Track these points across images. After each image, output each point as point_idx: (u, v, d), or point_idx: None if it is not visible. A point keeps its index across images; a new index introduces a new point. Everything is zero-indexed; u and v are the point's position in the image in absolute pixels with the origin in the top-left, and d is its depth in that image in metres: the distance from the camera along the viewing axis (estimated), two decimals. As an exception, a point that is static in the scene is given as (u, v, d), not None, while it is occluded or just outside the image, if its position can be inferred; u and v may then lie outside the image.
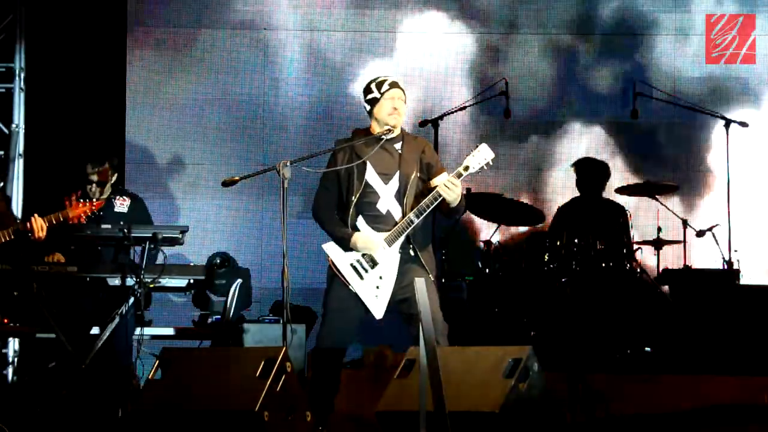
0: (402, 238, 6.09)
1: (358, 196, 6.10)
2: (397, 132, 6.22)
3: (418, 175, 6.17)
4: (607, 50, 9.85)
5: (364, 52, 9.89)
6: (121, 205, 7.77)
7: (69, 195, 7.67)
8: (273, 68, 9.91)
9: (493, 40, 9.89)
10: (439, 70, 9.91)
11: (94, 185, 7.68)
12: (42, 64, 9.44)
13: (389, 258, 6.08)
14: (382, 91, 6.19)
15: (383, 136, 6.17)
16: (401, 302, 6.11)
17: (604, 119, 9.82)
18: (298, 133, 9.85)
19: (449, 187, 6.01)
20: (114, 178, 7.87)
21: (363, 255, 6.09)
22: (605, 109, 9.82)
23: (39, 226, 6.98)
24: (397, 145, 6.21)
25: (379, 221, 6.12)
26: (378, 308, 6.08)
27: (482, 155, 6.10)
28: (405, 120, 6.35)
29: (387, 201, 6.13)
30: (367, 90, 6.27)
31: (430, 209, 6.07)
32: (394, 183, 6.14)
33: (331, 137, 6.47)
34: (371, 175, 6.13)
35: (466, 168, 6.09)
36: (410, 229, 6.07)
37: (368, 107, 6.26)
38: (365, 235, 6.08)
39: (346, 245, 6.09)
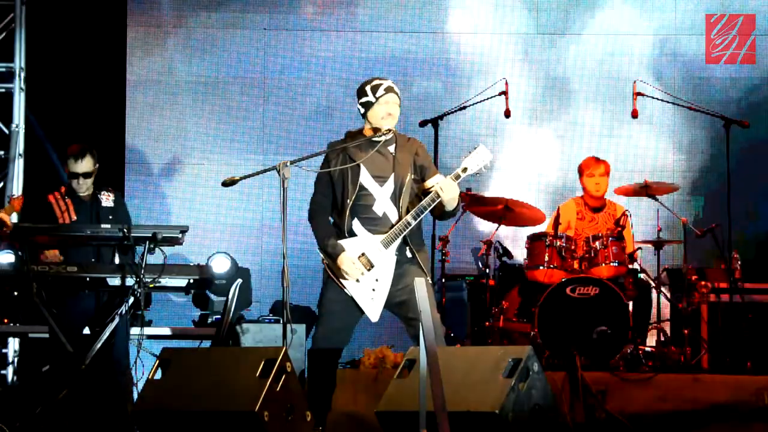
0: (398, 241, 6.08)
1: (353, 199, 6.09)
2: (389, 134, 6.20)
3: (412, 176, 6.16)
4: (607, 50, 9.85)
5: (365, 52, 9.89)
6: (107, 199, 7.73)
7: (53, 192, 7.67)
8: (273, 68, 9.91)
9: (494, 40, 9.90)
10: (440, 70, 9.91)
11: (80, 178, 7.58)
12: (42, 63, 9.44)
13: (385, 261, 6.07)
14: (377, 95, 6.17)
15: (376, 139, 6.16)
16: (399, 305, 6.09)
17: (605, 119, 9.82)
18: (298, 133, 9.85)
19: (446, 189, 6.00)
20: (96, 169, 7.79)
21: (359, 257, 6.07)
22: (606, 109, 9.82)
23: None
24: (391, 147, 6.19)
25: (376, 224, 6.10)
26: (374, 311, 6.07)
27: (480, 157, 6.08)
28: (405, 120, 6.35)
29: (383, 203, 6.12)
30: (362, 92, 6.24)
31: (427, 211, 6.07)
32: (389, 185, 6.13)
33: (332, 137, 6.46)
34: (366, 178, 6.11)
35: (464, 170, 6.07)
36: (407, 231, 6.07)
37: (362, 110, 6.24)
38: (349, 260, 6.04)
39: (332, 261, 6.07)
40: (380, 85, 6.19)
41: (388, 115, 6.15)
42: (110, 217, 7.53)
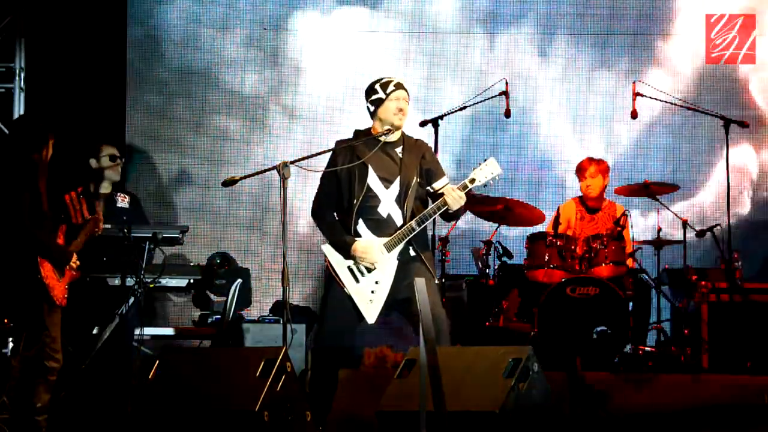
0: (401, 245, 6.09)
1: (360, 200, 6.09)
2: (397, 135, 6.21)
3: (418, 180, 6.17)
4: (608, 50, 9.85)
5: (365, 52, 9.88)
6: (122, 201, 7.76)
7: (68, 193, 7.67)
8: (273, 68, 9.90)
9: (494, 40, 9.89)
10: (440, 70, 9.90)
11: (118, 159, 7.69)
12: (42, 64, 9.43)
13: (387, 264, 6.07)
14: (387, 91, 6.18)
15: (383, 138, 6.16)
16: (403, 302, 6.10)
17: (604, 119, 9.82)
18: (298, 133, 9.85)
19: (454, 200, 6.02)
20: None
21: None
22: (605, 109, 9.82)
23: (101, 219, 6.86)
24: (398, 149, 6.20)
25: (380, 225, 6.11)
26: (371, 313, 6.07)
27: (489, 169, 6.13)
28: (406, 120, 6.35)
29: (388, 205, 6.12)
30: (372, 91, 6.25)
31: (432, 218, 6.09)
32: (395, 188, 6.13)
33: (333, 137, 6.47)
34: (373, 179, 6.12)
35: (472, 180, 6.12)
36: (410, 236, 6.08)
37: (372, 108, 6.25)
38: (364, 244, 6.06)
39: (346, 252, 6.08)
40: (390, 81, 6.22)
41: (399, 110, 6.17)
42: (124, 218, 7.54)
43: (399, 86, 6.21)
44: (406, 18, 9.91)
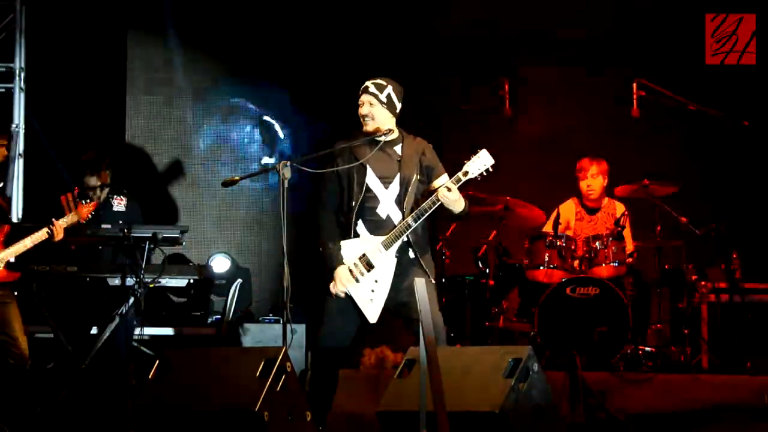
0: (399, 242, 6.06)
1: (359, 201, 6.07)
2: (396, 133, 6.20)
3: (418, 177, 6.14)
4: (608, 50, 9.85)
5: (365, 51, 9.88)
6: (119, 204, 7.76)
7: (65, 194, 7.68)
8: (273, 68, 9.90)
9: (494, 40, 9.89)
10: (440, 70, 9.91)
11: (97, 189, 7.67)
12: (42, 64, 9.43)
13: (385, 262, 6.06)
14: (359, 96, 6.20)
15: (380, 138, 6.15)
16: (402, 305, 6.09)
17: (604, 119, 9.82)
18: (298, 133, 9.85)
19: (446, 193, 5.98)
20: (109, 177, 7.86)
21: (359, 258, 6.07)
22: (605, 109, 9.82)
23: (59, 230, 6.92)
24: (397, 148, 6.18)
25: (380, 226, 6.09)
26: (372, 313, 6.06)
27: (482, 161, 6.07)
28: (405, 119, 6.33)
29: (387, 205, 6.10)
30: None
31: (428, 213, 6.05)
32: (395, 187, 6.11)
33: (332, 137, 6.46)
34: (371, 179, 6.10)
35: (465, 173, 6.06)
36: (408, 232, 6.05)
37: None
38: (346, 274, 6.02)
39: (330, 266, 6.06)
40: (362, 86, 6.21)
41: (362, 117, 6.16)
42: (120, 221, 7.53)
43: (363, 90, 6.18)
44: (408, 17, 9.91)
